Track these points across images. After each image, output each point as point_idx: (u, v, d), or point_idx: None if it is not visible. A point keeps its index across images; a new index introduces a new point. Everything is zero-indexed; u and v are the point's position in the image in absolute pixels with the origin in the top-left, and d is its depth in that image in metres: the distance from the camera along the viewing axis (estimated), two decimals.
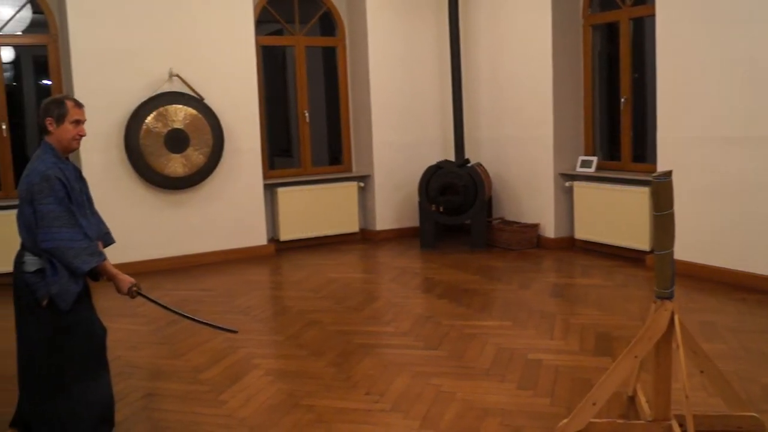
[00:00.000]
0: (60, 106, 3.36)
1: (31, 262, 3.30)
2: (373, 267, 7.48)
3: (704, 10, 5.98)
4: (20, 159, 7.17)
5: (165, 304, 3.58)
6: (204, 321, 3.81)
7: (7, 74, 10.66)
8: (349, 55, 8.78)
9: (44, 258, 3.23)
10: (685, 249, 6.08)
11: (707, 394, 3.73)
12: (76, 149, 3.47)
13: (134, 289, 3.40)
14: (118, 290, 3.41)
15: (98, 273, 3.40)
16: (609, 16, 7.41)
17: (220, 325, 3.87)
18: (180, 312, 3.66)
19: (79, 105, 3.42)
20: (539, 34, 7.55)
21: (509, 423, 3.56)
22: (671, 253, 3.19)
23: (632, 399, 3.72)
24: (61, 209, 3.20)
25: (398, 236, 8.71)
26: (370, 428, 3.57)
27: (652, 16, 6.52)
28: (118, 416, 3.70)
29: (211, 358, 4.67)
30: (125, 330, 5.36)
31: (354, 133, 8.89)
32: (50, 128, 3.35)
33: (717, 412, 3.45)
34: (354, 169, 8.92)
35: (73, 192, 3.32)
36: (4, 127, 7.07)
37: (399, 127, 8.67)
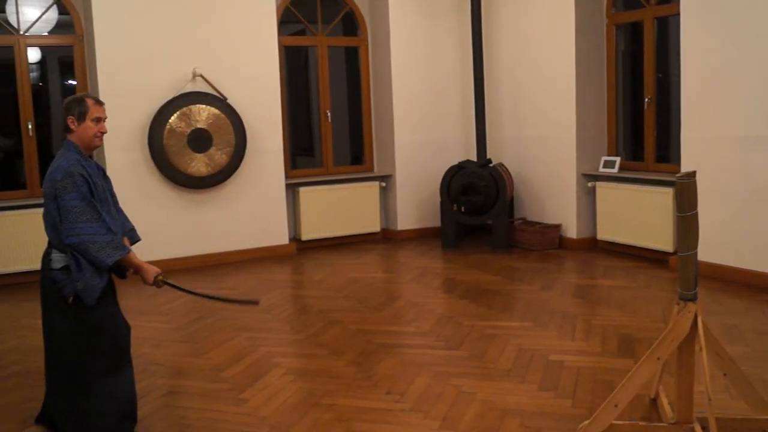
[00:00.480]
0: (80, 104, 3.41)
1: (58, 260, 3.34)
2: (394, 267, 7.48)
3: (729, 9, 5.92)
4: (46, 158, 7.25)
5: (190, 289, 3.64)
6: (227, 298, 3.93)
7: (34, 74, 10.80)
8: (371, 55, 8.80)
9: (68, 254, 3.28)
10: (710, 250, 6.02)
11: (730, 397, 3.70)
12: (98, 146, 3.52)
13: (159, 278, 3.44)
14: (144, 281, 3.45)
15: (124, 267, 3.45)
16: (633, 16, 7.36)
17: (242, 299, 3.99)
18: (204, 294, 3.71)
19: (99, 102, 3.47)
20: (562, 34, 7.51)
21: (530, 424, 3.54)
22: (695, 255, 3.16)
23: (654, 401, 3.69)
24: (84, 204, 3.24)
25: (419, 236, 8.71)
26: (390, 428, 3.57)
27: (677, 15, 6.46)
28: (141, 413, 3.73)
29: (233, 356, 4.70)
30: (149, 328, 5.40)
31: (376, 132, 8.90)
32: (72, 127, 3.41)
33: (740, 415, 3.41)
34: (376, 168, 8.93)
35: (96, 188, 3.37)
36: (30, 126, 7.16)
37: (421, 126, 8.67)
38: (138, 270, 3.44)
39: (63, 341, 3.40)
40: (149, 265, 3.46)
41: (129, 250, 3.39)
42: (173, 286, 3.53)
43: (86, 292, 3.28)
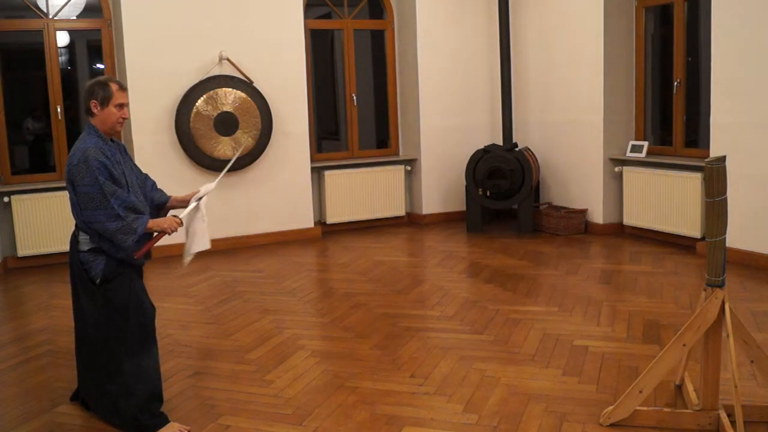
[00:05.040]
0: (105, 88, 3.40)
1: (85, 241, 3.40)
2: (419, 250, 7.48)
3: None
4: (74, 141, 7.33)
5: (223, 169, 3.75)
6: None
7: (62, 58, 10.89)
8: (397, 38, 8.76)
9: (93, 234, 3.34)
10: (739, 237, 5.96)
11: (757, 385, 3.67)
12: (119, 131, 3.53)
13: (176, 222, 3.54)
14: (168, 228, 3.51)
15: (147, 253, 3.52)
16: None
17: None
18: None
19: (123, 88, 3.47)
20: (591, 16, 7.42)
21: (554, 409, 3.54)
22: (723, 241, 3.13)
23: (680, 388, 3.67)
24: (95, 191, 3.26)
25: (445, 220, 8.70)
26: (413, 411, 3.59)
27: None
28: (167, 393, 3.79)
29: (258, 338, 4.75)
30: (176, 309, 5.47)
31: (401, 116, 8.89)
32: (95, 111, 3.42)
33: (767, 402, 3.39)
34: (401, 152, 8.92)
35: (116, 168, 3.38)
36: (59, 110, 7.23)
37: (446, 110, 8.64)
38: (153, 228, 3.46)
39: (91, 321, 3.46)
40: (160, 219, 3.56)
41: (143, 225, 3.36)
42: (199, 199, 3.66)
43: (127, 253, 3.38)
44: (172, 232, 3.50)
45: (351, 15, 8.49)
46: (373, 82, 10.31)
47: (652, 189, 7.06)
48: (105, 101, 3.40)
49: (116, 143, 3.55)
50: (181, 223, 3.54)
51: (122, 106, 3.44)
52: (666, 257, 6.52)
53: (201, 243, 3.76)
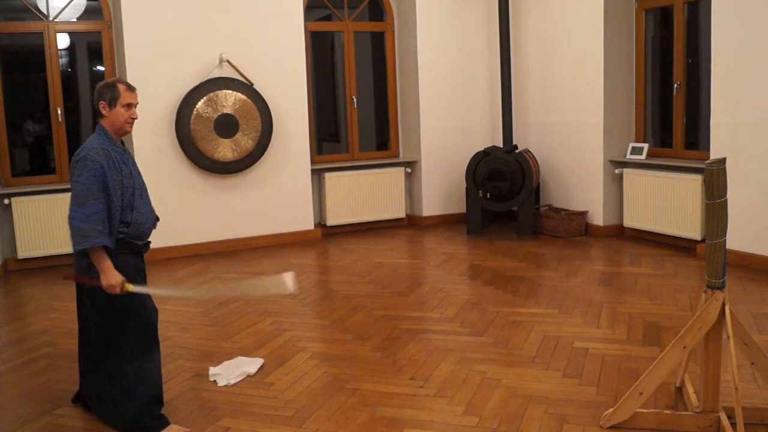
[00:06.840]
0: (112, 89, 3.42)
1: None
2: (419, 252, 7.48)
3: None
4: (75, 143, 7.34)
5: (156, 289, 3.55)
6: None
7: (63, 60, 10.90)
8: (397, 40, 8.77)
9: None
10: (739, 239, 5.95)
11: (757, 387, 3.67)
12: (128, 132, 3.53)
13: (115, 287, 3.28)
14: (103, 282, 3.27)
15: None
16: (663, 0, 7.24)
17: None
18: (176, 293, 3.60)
19: (131, 88, 3.47)
20: (591, 18, 7.42)
21: (554, 411, 3.54)
22: (723, 243, 3.13)
23: (680, 390, 3.67)
24: (82, 189, 3.24)
25: (445, 222, 8.70)
26: (413, 413, 3.59)
27: None
28: (167, 395, 3.79)
29: (259, 340, 4.74)
30: (176, 311, 5.46)
31: (401, 118, 8.89)
32: (103, 112, 3.43)
33: (767, 404, 3.39)
34: (401, 154, 8.92)
35: (122, 174, 3.36)
36: (59, 112, 7.23)
37: (447, 112, 8.64)
38: (100, 270, 3.27)
39: (93, 323, 3.46)
40: (114, 272, 3.29)
41: (99, 244, 3.22)
42: (138, 290, 3.39)
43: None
44: (107, 288, 3.26)
45: (351, 17, 8.50)
46: (374, 84, 10.32)
47: (653, 191, 7.06)
48: (113, 102, 3.41)
49: (124, 149, 3.54)
50: (120, 293, 3.28)
51: (130, 106, 3.45)
52: (666, 259, 6.52)
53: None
